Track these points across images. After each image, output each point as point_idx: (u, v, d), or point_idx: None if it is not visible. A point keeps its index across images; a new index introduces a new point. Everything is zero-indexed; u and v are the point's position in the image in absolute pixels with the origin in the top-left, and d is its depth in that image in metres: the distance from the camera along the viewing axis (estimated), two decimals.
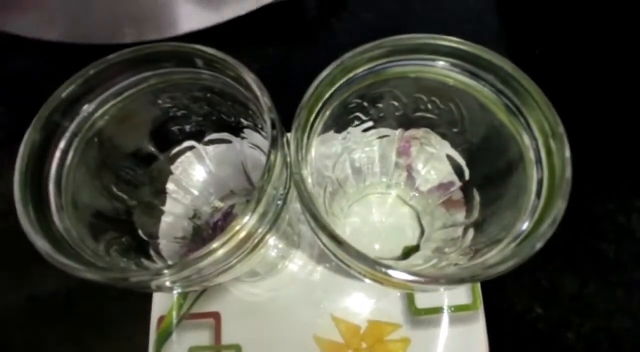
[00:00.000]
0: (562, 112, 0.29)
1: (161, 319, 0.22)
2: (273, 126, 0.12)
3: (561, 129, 0.11)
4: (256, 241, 0.13)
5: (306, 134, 0.13)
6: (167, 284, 0.12)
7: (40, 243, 0.11)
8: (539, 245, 0.11)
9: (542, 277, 0.24)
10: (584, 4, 0.30)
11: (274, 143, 0.11)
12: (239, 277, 0.22)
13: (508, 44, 0.31)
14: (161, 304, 0.22)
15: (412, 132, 0.18)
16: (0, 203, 0.28)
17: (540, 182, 0.12)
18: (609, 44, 0.29)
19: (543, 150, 0.12)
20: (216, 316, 0.22)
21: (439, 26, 0.32)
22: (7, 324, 0.26)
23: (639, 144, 0.27)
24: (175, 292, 0.21)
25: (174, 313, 0.22)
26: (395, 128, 0.18)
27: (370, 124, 0.17)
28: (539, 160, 0.12)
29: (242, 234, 0.11)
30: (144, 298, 0.23)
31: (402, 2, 0.33)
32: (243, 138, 0.19)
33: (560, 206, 0.10)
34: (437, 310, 0.21)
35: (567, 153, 0.11)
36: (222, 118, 0.17)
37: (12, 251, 0.27)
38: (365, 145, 0.19)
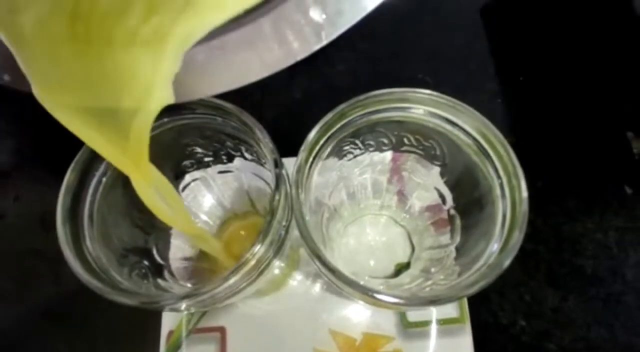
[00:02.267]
0: (540, 139, 0.31)
1: (170, 333, 0.24)
2: (276, 165, 0.14)
3: (520, 172, 0.13)
4: (263, 266, 0.14)
5: (305, 173, 0.15)
6: (183, 307, 0.14)
7: (80, 271, 0.13)
8: (506, 263, 0.13)
9: (525, 292, 0.26)
10: (565, 36, 0.33)
11: (278, 183, 0.13)
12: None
13: (494, 71, 0.33)
14: (170, 319, 0.24)
15: (401, 163, 0.20)
16: (18, 224, 0.30)
17: (504, 216, 0.14)
18: (586, 74, 0.31)
19: (507, 188, 0.14)
20: (222, 330, 0.24)
21: (430, 54, 0.33)
22: (22, 339, 0.27)
23: (615, 167, 0.29)
24: (186, 312, 0.23)
25: (183, 328, 0.24)
26: (386, 159, 0.20)
27: (362, 157, 0.19)
28: (504, 196, 0.14)
29: (253, 262, 0.13)
30: (153, 314, 0.24)
31: (396, 32, 0.35)
32: (247, 169, 0.21)
33: (517, 236, 0.12)
34: (427, 323, 0.23)
35: (524, 193, 0.13)
36: (230, 153, 0.19)
37: (29, 269, 0.28)
38: (359, 175, 0.21)
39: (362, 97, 0.15)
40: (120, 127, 0.13)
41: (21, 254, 0.29)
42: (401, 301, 0.12)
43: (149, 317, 0.24)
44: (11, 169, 0.32)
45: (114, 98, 0.12)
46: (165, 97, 0.12)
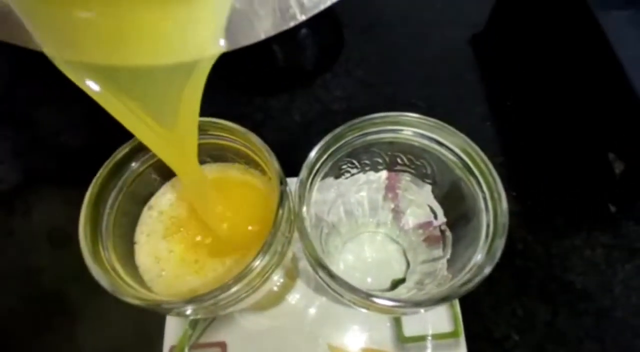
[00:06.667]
0: (528, 160, 0.32)
1: (172, 349, 0.24)
2: (281, 183, 0.16)
3: (500, 186, 0.14)
4: (265, 276, 0.15)
5: (307, 188, 0.16)
6: (189, 312, 0.15)
7: (99, 276, 0.14)
8: (487, 270, 0.14)
9: (517, 307, 0.26)
10: (550, 64, 0.35)
11: (282, 199, 0.15)
12: (245, 308, 0.24)
13: (484, 96, 0.35)
14: (172, 335, 0.25)
15: (396, 182, 0.21)
16: (26, 241, 0.31)
17: (488, 226, 0.15)
18: (570, 100, 0.33)
19: (490, 201, 0.15)
20: (222, 345, 0.24)
21: (421, 81, 0.36)
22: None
23: (599, 186, 0.30)
24: (190, 317, 0.24)
25: (184, 343, 0.24)
26: (381, 178, 0.22)
27: (359, 175, 0.21)
28: (487, 208, 0.15)
29: (256, 272, 0.14)
30: (155, 329, 0.25)
31: (389, 60, 0.37)
32: None
33: (499, 243, 0.14)
34: (423, 338, 0.24)
35: (505, 205, 0.14)
36: None
37: (36, 287, 0.29)
38: (355, 192, 0.22)
39: (357, 120, 0.16)
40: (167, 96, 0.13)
41: (29, 270, 0.30)
42: (398, 304, 0.13)
43: (151, 333, 0.25)
44: (20, 187, 0.33)
45: (173, 54, 0.12)
46: (221, 45, 0.13)
